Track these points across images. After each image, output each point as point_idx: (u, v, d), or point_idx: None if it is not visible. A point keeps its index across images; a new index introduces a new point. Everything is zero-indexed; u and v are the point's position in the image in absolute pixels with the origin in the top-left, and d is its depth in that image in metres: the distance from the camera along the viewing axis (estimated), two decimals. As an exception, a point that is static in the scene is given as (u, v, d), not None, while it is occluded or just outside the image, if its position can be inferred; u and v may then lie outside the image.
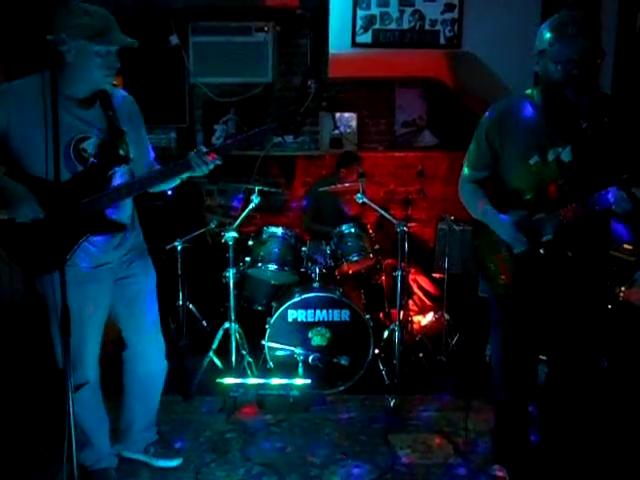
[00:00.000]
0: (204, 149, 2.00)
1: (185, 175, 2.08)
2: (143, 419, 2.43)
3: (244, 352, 3.13)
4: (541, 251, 1.97)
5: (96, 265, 2.08)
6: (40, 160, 1.74)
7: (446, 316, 3.66)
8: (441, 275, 3.94)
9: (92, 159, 1.96)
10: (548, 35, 1.81)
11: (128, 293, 2.22)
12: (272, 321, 3.15)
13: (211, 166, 2.00)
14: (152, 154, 2.26)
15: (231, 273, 3.09)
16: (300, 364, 3.07)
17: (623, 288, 2.90)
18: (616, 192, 1.76)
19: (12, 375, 3.16)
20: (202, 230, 3.86)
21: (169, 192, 2.49)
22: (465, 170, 2.20)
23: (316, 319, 3.17)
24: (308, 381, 2.99)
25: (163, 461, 2.43)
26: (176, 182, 2.19)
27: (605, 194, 1.80)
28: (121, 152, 2.01)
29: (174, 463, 2.44)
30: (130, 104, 2.14)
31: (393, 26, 3.76)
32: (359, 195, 3.28)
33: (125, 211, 2.14)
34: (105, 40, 1.85)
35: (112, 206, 2.02)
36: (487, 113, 2.07)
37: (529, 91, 2.00)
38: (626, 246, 3.04)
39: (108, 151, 1.98)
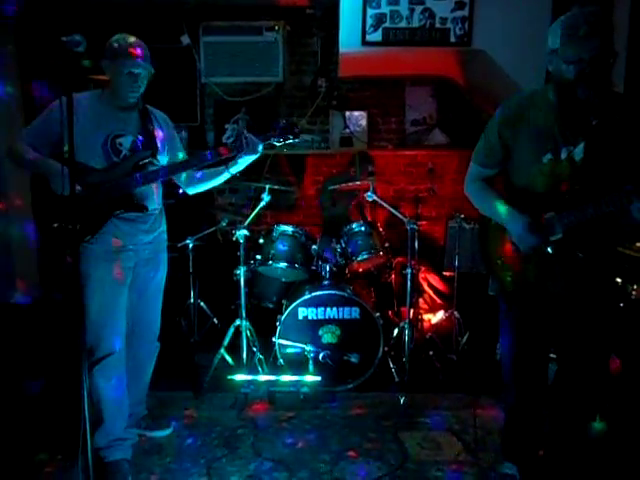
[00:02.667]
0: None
1: (234, 170, 2.46)
2: (134, 394, 2.56)
3: (255, 349, 3.16)
4: (549, 250, 1.96)
5: (123, 245, 2.36)
6: (86, 152, 2.22)
7: (456, 314, 3.66)
8: (451, 273, 3.94)
9: (126, 152, 2.33)
10: (560, 35, 1.79)
11: (140, 279, 2.46)
12: (283, 318, 3.17)
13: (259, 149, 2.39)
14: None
15: (242, 271, 3.12)
16: (310, 361, 3.09)
17: (635, 286, 2.88)
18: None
19: (26, 370, 3.21)
20: (213, 228, 3.89)
21: (180, 190, 2.67)
22: (473, 167, 2.19)
23: (326, 317, 3.18)
24: (318, 378, 3.01)
25: (157, 432, 2.69)
26: (221, 179, 2.52)
27: (622, 198, 1.79)
28: (149, 152, 2.36)
29: (166, 432, 2.71)
30: (165, 120, 2.54)
31: (403, 24, 3.74)
32: (369, 193, 3.29)
33: (153, 201, 2.45)
34: (124, 63, 2.23)
35: (140, 188, 2.35)
36: (500, 109, 2.05)
37: (541, 88, 1.99)
38: (638, 244, 3.02)
39: (139, 148, 2.36)
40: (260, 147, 2.39)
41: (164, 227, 2.58)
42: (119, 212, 2.32)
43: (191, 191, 2.61)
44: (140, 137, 2.38)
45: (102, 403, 2.31)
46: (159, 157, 2.43)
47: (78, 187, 2.15)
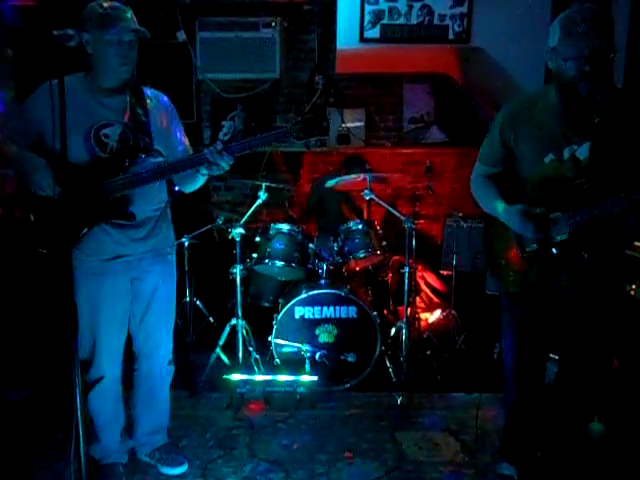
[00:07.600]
0: (220, 146, 1.99)
1: (204, 172, 2.07)
2: (147, 421, 2.42)
3: (251, 348, 3.13)
4: (554, 251, 1.95)
5: (112, 257, 2.11)
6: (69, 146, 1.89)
7: (454, 313, 3.64)
8: (449, 272, 3.92)
9: (113, 145, 2.04)
10: (558, 32, 1.80)
11: (142, 294, 2.24)
12: (279, 318, 3.15)
13: (224, 164, 1.99)
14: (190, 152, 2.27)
15: (238, 269, 3.09)
16: (307, 361, 3.06)
17: (634, 285, 2.86)
18: None
19: (18, 369, 3.18)
20: (209, 226, 3.86)
21: (176, 188, 2.50)
22: (478, 165, 2.20)
23: (323, 316, 3.16)
24: (315, 378, 2.98)
25: (167, 468, 2.41)
26: (199, 181, 2.20)
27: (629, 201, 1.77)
28: (142, 143, 2.08)
29: (178, 471, 2.41)
30: (164, 102, 2.22)
31: (401, 21, 3.72)
32: (366, 191, 3.26)
33: (150, 203, 2.17)
34: (112, 29, 1.94)
35: (130, 191, 2.04)
36: (502, 110, 2.06)
37: (543, 88, 1.98)
38: (637, 243, 3.00)
39: (130, 140, 2.06)
40: (227, 165, 2.01)
41: (168, 232, 2.32)
42: (101, 223, 2.03)
43: (187, 189, 2.32)
44: (129, 127, 2.06)
45: (96, 422, 2.22)
46: (156, 149, 2.14)
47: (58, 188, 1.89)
